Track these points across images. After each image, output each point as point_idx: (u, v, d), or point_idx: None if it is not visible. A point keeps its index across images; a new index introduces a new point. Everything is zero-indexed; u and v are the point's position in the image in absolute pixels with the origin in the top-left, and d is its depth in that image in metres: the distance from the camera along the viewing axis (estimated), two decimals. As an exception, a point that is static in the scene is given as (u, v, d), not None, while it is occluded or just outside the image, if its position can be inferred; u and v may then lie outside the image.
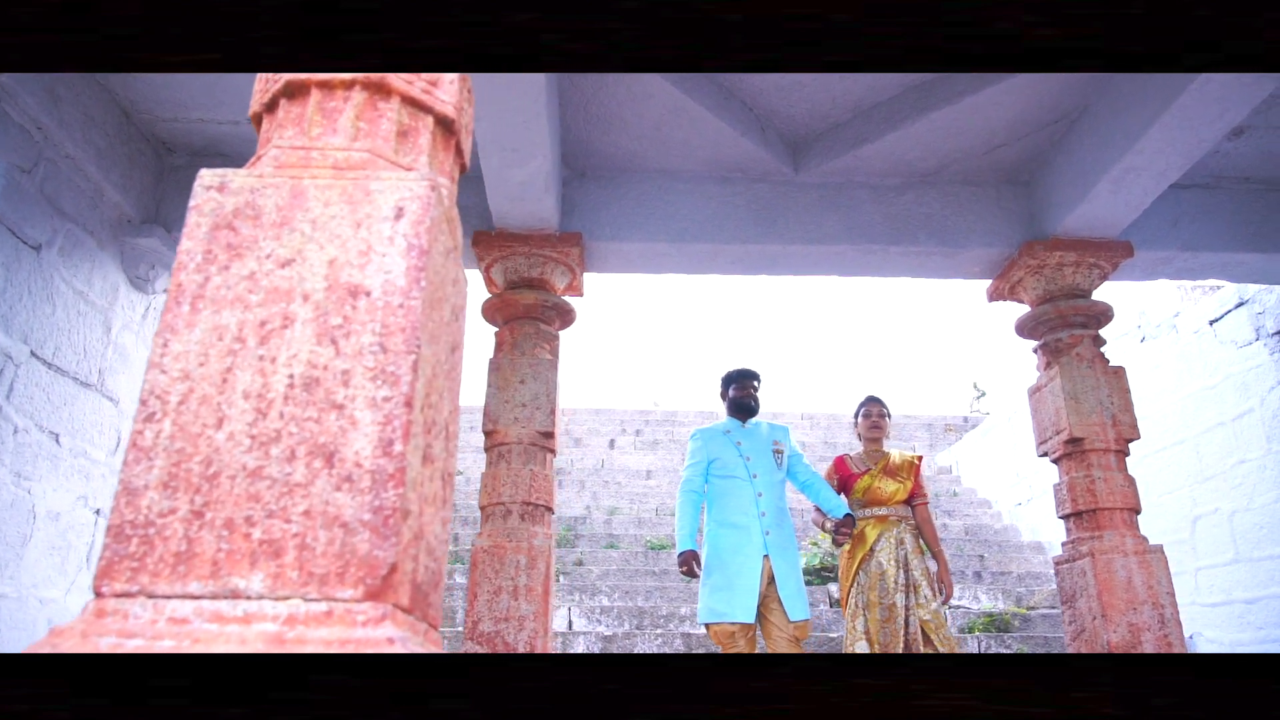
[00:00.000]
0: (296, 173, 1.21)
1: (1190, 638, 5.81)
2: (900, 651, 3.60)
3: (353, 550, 1.01)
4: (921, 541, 3.99)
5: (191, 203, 1.19)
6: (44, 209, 3.45)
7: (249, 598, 0.99)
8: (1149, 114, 3.32)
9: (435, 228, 1.21)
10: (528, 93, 3.11)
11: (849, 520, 3.77)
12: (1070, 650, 3.85)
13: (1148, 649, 3.51)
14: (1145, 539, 3.73)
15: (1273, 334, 5.16)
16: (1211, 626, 5.65)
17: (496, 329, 4.10)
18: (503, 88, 3.08)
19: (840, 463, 4.18)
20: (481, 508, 3.70)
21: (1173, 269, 4.35)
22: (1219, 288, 5.68)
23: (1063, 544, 3.92)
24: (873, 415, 4.15)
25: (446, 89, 1.37)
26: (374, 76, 1.29)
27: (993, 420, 9.17)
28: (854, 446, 4.25)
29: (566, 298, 4.33)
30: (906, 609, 3.64)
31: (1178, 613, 3.58)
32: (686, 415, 11.41)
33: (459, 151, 1.44)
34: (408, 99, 1.32)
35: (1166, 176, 3.62)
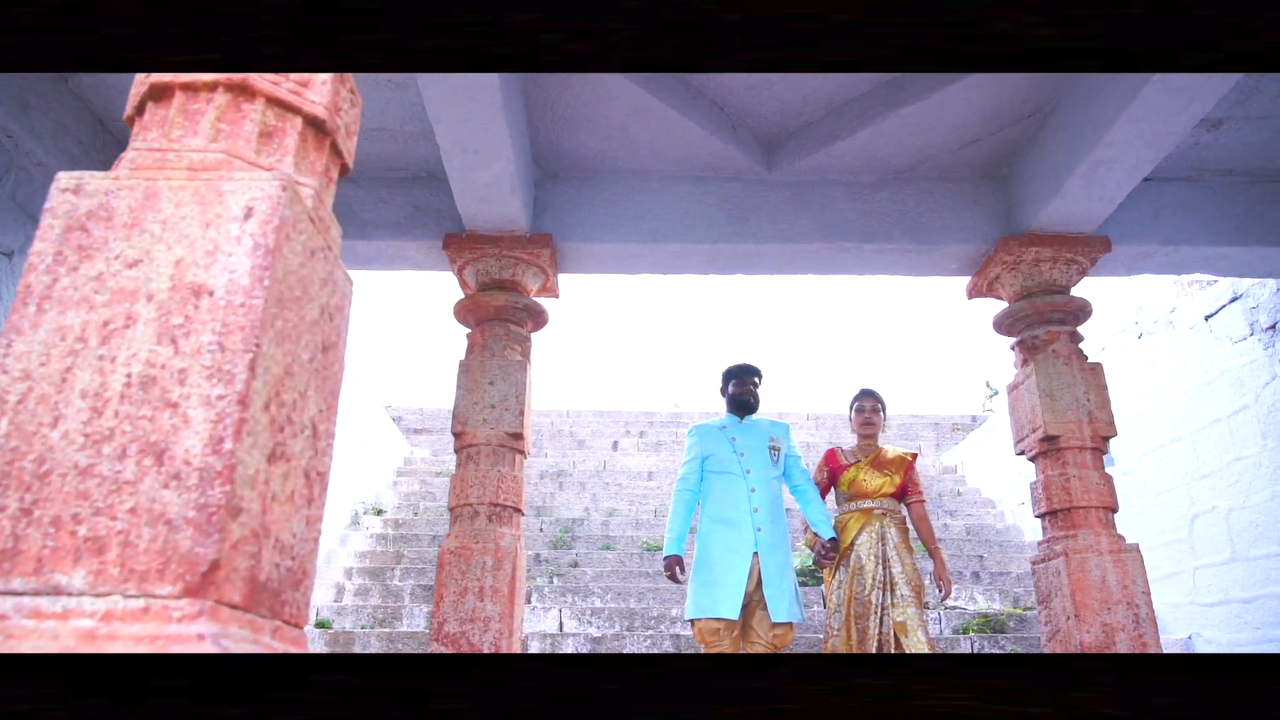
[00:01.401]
0: (151, 174, 1.23)
1: (1189, 638, 5.71)
2: (873, 650, 3.56)
3: (175, 547, 1.02)
4: (910, 539, 3.94)
5: (46, 205, 1.20)
6: (16, 216, 3.51)
7: (70, 594, 1.00)
8: (1115, 107, 3.27)
9: (288, 227, 1.21)
10: (483, 95, 3.12)
11: (834, 545, 3.72)
12: (1046, 652, 3.79)
13: (1121, 649, 3.45)
14: (1121, 538, 3.67)
15: (1266, 329, 5.06)
16: (1210, 627, 5.55)
17: (468, 331, 4.11)
18: (458, 90, 3.09)
19: (831, 455, 4.14)
20: (450, 509, 3.72)
21: (1154, 264, 4.28)
22: (1213, 282, 5.58)
23: (1038, 543, 3.87)
24: (866, 410, 4.11)
25: (318, 90, 1.38)
26: (237, 77, 1.30)
27: (997, 419, 9.07)
28: None
29: (540, 299, 4.34)
30: (882, 607, 3.59)
31: (1153, 612, 3.52)
32: (691, 416, 11.39)
33: (336, 152, 1.44)
34: (274, 100, 1.33)
35: (1139, 170, 3.56)
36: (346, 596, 6.45)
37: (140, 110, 1.34)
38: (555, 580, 6.77)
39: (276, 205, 1.20)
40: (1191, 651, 5.63)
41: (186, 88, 1.30)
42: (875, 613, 3.57)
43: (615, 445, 10.44)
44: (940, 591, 3.75)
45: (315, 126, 1.38)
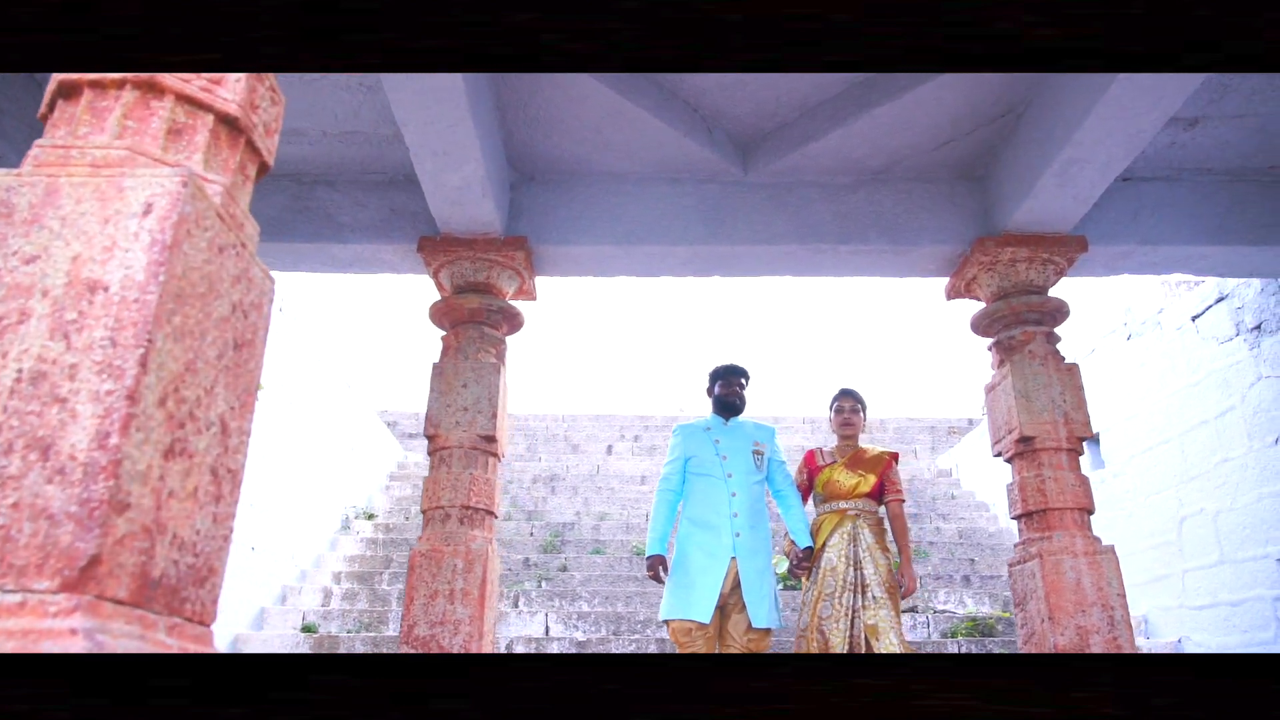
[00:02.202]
0: (54, 171, 1.23)
1: (1179, 641, 5.67)
2: (843, 652, 3.54)
3: (55, 542, 1.02)
4: (888, 541, 3.91)
5: (-53, 202, 1.20)
6: (-11, 221, 3.53)
7: (-52, 589, 1.00)
8: (1084, 106, 3.25)
9: (188, 223, 1.21)
10: (449, 97, 3.12)
11: (809, 554, 3.71)
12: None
13: (1096, 652, 3.42)
14: (1097, 539, 3.65)
15: (1251, 329, 5.03)
16: (1199, 630, 5.51)
17: (443, 334, 4.12)
18: (424, 93, 3.10)
19: (810, 457, 4.12)
20: (423, 511, 3.71)
21: (1133, 264, 4.26)
22: (1200, 283, 5.55)
23: (1015, 546, 3.85)
24: (845, 410, 4.08)
25: (231, 87, 1.38)
26: (145, 75, 1.30)
27: (991, 422, 9.03)
28: None
29: (517, 302, 4.34)
30: (853, 609, 3.56)
31: (1128, 614, 3.49)
32: (688, 420, 11.37)
33: (253, 150, 1.44)
34: (184, 97, 1.33)
35: (1111, 168, 3.54)
36: (334, 601, 6.45)
37: (52, 108, 1.34)
38: (543, 584, 6.76)
39: (176, 201, 1.20)
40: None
41: (95, 85, 1.30)
42: (846, 615, 3.54)
43: (610, 449, 10.43)
44: (902, 589, 3.70)
45: (228, 124, 1.38)
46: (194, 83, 1.34)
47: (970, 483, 9.30)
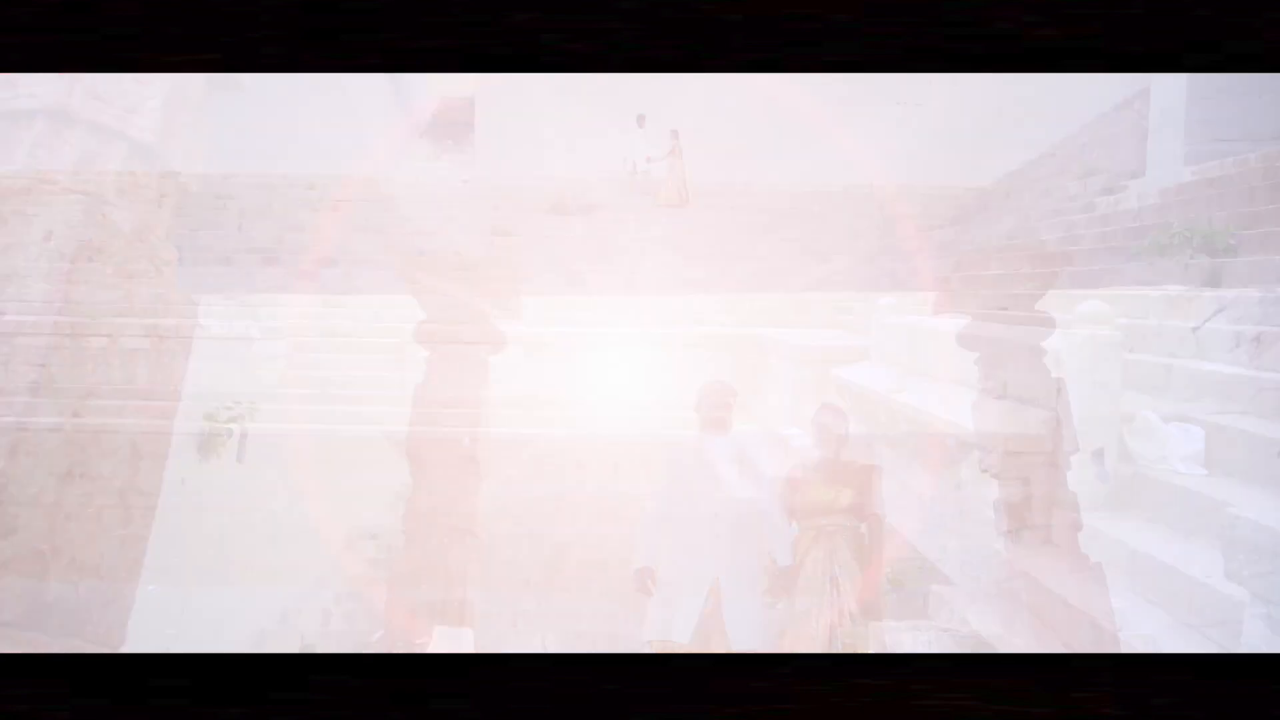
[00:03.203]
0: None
1: (1186, 661, 5.55)
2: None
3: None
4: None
5: None
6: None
7: None
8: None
9: None
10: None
11: (787, 572, 3.69)
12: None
13: (1084, 671, 3.36)
14: (1086, 556, 3.59)
15: (1251, 340, 4.95)
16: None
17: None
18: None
19: (793, 471, 4.06)
20: (404, 531, 3.72)
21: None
22: (1199, 294, 5.48)
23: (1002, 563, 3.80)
24: (826, 423, 4.01)
25: None
26: None
27: (999, 437, 8.92)
28: None
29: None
30: (830, 628, 3.52)
31: (1117, 634, 3.43)
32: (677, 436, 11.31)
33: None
34: None
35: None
36: (333, 622, 6.45)
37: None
38: (543, 604, 6.73)
39: None
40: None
41: None
42: (823, 633, 3.49)
43: (616, 466, 10.40)
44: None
45: None
46: None
47: (979, 498, 9.18)
